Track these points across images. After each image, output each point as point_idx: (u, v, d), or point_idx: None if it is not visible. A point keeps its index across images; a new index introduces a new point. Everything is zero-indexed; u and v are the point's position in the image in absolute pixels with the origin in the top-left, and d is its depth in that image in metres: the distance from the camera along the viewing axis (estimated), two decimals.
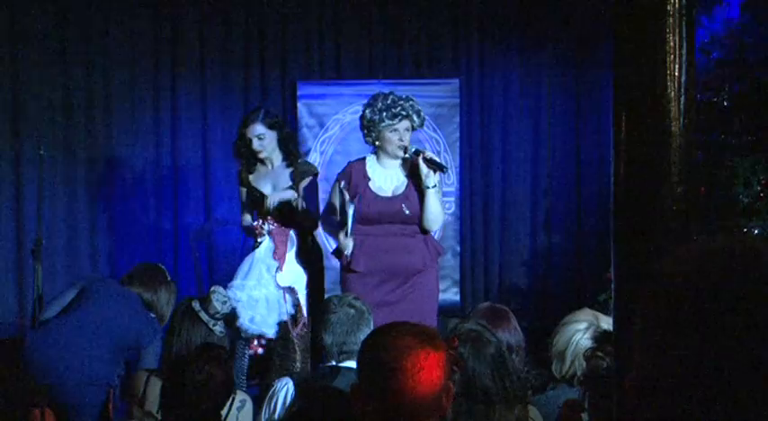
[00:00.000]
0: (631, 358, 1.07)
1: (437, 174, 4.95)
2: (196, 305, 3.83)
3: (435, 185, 4.97)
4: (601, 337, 2.91)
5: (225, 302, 3.90)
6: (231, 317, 4.05)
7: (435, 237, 7.14)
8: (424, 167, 4.94)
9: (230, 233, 7.02)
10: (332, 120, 7.05)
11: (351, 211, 4.89)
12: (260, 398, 3.90)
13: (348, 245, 4.96)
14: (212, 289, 4.01)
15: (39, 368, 4.32)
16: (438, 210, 5.03)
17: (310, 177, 5.26)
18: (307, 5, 7.22)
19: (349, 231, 4.93)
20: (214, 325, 3.82)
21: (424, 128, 7.12)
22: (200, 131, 7.12)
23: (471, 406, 2.77)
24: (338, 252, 5.13)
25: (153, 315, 4.51)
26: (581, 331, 3.60)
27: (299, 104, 7.10)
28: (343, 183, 5.04)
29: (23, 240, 6.81)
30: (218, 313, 3.84)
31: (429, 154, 5.00)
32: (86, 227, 7.02)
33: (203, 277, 6.69)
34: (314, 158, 7.05)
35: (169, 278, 4.74)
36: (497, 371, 2.82)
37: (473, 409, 2.77)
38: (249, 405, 3.71)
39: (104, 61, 7.03)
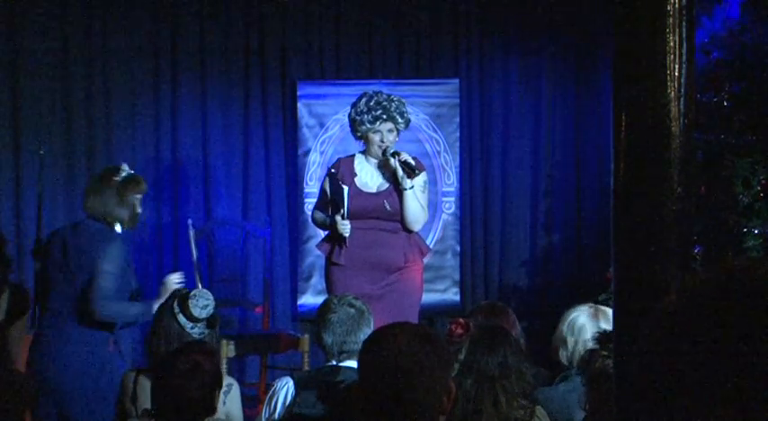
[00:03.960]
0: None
1: (412, 178, 5.00)
2: (176, 307, 3.76)
3: (413, 187, 5.02)
4: (603, 337, 2.91)
5: (205, 307, 3.75)
6: (213, 320, 3.89)
7: (435, 236, 7.23)
8: (399, 169, 5.02)
9: (230, 233, 7.02)
10: (332, 121, 7.04)
11: (345, 192, 4.95)
12: None
13: (346, 226, 4.99)
14: (194, 292, 3.81)
15: (43, 363, 4.42)
16: (417, 212, 5.07)
17: None
18: (307, 5, 7.22)
19: (346, 213, 4.97)
20: (192, 328, 3.73)
21: (424, 128, 7.17)
22: (200, 131, 7.12)
23: (476, 391, 2.77)
24: (327, 242, 5.18)
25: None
26: (581, 312, 3.63)
27: (299, 104, 7.09)
28: (334, 170, 5.12)
29: (23, 240, 6.80)
30: (194, 317, 3.76)
31: (405, 156, 5.05)
32: None
33: (203, 277, 6.68)
34: (314, 158, 7.04)
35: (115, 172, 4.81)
36: (504, 358, 2.82)
37: (478, 394, 2.77)
38: (236, 388, 3.73)
39: (104, 61, 7.02)
